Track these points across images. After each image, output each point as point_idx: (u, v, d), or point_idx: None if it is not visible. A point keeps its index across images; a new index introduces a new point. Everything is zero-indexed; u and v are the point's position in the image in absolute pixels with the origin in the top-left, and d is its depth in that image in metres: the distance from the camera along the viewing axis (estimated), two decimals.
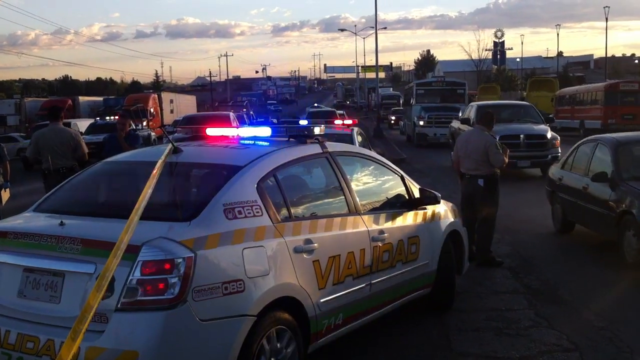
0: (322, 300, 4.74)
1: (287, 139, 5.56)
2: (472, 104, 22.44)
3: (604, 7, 62.18)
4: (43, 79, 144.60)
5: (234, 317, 4.00)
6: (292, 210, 4.80)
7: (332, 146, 5.63)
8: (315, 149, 5.41)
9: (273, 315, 4.28)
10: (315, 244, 4.71)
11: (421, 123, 30.37)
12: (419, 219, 6.20)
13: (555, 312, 6.65)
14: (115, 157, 5.68)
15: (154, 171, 4.48)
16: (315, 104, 61.84)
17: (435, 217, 6.48)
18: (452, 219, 6.85)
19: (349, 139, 11.06)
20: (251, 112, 38.84)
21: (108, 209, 4.81)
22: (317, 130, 5.70)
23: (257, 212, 4.42)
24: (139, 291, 3.75)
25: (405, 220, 6.01)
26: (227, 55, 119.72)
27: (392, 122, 50.98)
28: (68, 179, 5.41)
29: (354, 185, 5.58)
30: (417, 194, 6.31)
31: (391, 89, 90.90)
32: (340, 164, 5.49)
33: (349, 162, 5.82)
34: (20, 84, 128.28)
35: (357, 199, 5.47)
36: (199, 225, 4.07)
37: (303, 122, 10.81)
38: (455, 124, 22.59)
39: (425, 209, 6.31)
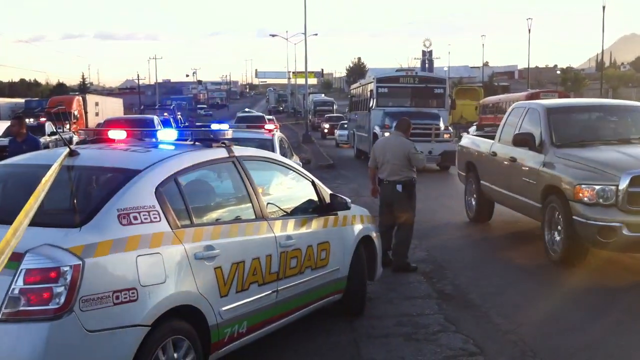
0: (224, 309, 4.63)
1: (192, 142, 5.44)
2: (526, 104, 11.16)
3: (527, 19, 64.39)
4: None
5: (126, 327, 3.84)
6: (194, 216, 4.67)
7: (240, 150, 5.52)
8: (221, 153, 5.29)
9: (169, 325, 4.14)
10: (217, 250, 4.59)
11: (386, 135, 20.08)
12: (330, 225, 6.16)
13: (464, 316, 6.72)
14: (10, 160, 5.42)
15: (47, 175, 4.27)
16: (246, 109, 61.47)
17: (346, 222, 6.45)
18: (364, 225, 6.83)
19: (270, 144, 10.98)
20: (179, 116, 38.09)
21: None
22: (224, 135, 5.60)
23: (155, 217, 4.28)
24: (22, 301, 3.56)
25: (315, 225, 5.95)
26: (156, 59, 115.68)
27: (326, 130, 46.59)
28: None
29: (261, 191, 5.50)
30: (328, 200, 6.27)
31: (323, 95, 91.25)
32: (247, 169, 5.38)
33: (258, 167, 5.73)
34: None
35: (265, 205, 5.39)
36: (89, 231, 3.90)
37: (224, 126, 10.63)
38: (483, 143, 11.83)
39: (336, 214, 6.28)
